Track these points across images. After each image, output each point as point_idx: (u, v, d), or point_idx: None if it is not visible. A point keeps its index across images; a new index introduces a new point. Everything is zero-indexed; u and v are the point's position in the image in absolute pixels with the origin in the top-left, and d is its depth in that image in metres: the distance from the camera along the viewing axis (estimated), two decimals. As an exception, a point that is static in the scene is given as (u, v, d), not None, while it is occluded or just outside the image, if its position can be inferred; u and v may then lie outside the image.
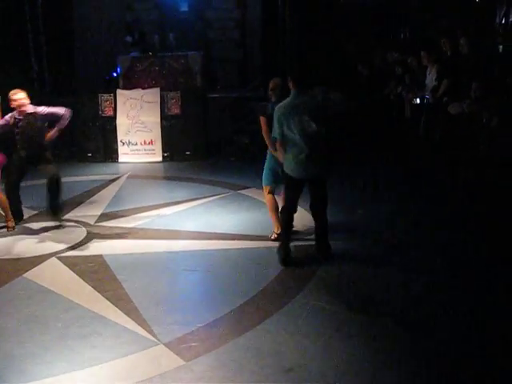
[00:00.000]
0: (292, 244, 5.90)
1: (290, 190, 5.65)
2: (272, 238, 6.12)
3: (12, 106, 6.68)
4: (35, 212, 7.28)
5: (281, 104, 5.48)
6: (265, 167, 6.21)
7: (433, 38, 10.82)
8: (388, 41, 12.37)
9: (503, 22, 8.40)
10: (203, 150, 10.72)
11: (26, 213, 7.11)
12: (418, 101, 9.34)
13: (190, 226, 6.85)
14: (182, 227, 6.81)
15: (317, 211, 5.70)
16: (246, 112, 10.88)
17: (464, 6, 10.66)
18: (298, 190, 5.60)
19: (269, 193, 6.19)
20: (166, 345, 4.16)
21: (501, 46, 9.17)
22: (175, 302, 4.96)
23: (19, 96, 6.64)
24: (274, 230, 6.15)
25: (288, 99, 5.47)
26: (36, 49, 11.59)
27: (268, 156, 6.12)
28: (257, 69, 13.02)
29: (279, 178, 5.95)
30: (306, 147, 5.35)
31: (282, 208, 5.84)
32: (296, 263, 5.59)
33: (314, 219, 5.78)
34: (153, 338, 4.25)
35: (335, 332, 4.31)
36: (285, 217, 5.70)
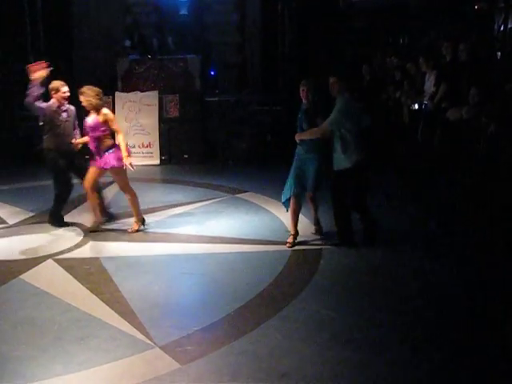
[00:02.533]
0: (290, 248, 5.93)
1: (344, 184, 6.02)
2: (289, 240, 6.16)
3: (55, 96, 6.66)
4: (32, 214, 7.28)
5: (346, 99, 5.95)
6: (288, 179, 6.18)
7: (432, 44, 10.85)
8: (387, 46, 12.39)
9: (502, 28, 8.41)
10: (201, 153, 10.74)
11: (23, 214, 7.10)
12: (416, 106, 9.35)
13: (187, 229, 6.84)
14: (179, 230, 6.80)
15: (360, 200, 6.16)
16: (244, 116, 10.91)
17: (463, 13, 10.70)
18: (350, 181, 6.02)
19: (295, 196, 6.15)
20: (161, 348, 4.15)
21: (499, 53, 9.18)
22: (171, 306, 4.95)
23: (67, 88, 6.68)
24: (291, 232, 6.21)
25: (346, 100, 5.95)
26: (34, 51, 11.58)
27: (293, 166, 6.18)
28: (256, 72, 13.04)
29: (305, 180, 6.06)
30: (359, 139, 5.94)
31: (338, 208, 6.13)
32: (293, 268, 5.58)
33: (360, 213, 6.21)
34: (149, 341, 4.24)
35: (331, 337, 4.30)
36: (341, 215, 6.10)
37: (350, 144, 5.91)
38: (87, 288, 5.20)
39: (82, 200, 7.58)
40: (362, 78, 10.84)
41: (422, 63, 9.22)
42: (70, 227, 6.93)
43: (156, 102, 10.67)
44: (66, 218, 7.19)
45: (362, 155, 5.95)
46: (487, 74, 8.43)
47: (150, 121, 10.65)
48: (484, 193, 6.96)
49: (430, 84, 8.99)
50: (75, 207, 7.75)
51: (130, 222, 7.05)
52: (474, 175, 7.31)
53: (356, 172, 5.96)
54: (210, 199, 8.11)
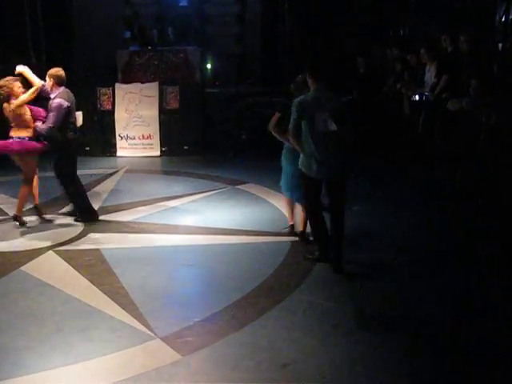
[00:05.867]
0: (289, 239, 5.92)
1: (309, 189, 5.35)
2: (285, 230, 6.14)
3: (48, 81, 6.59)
4: (32, 205, 7.26)
5: (302, 97, 5.20)
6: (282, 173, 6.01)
7: (433, 35, 10.81)
8: (387, 37, 12.35)
9: (503, 19, 8.37)
10: (201, 144, 10.73)
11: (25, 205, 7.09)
12: (417, 98, 9.34)
13: (188, 220, 6.85)
14: (179, 222, 6.80)
15: (334, 215, 5.31)
16: (244, 107, 10.88)
17: (464, 3, 10.66)
18: (317, 189, 5.29)
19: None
20: (162, 339, 4.16)
21: (500, 44, 9.15)
22: (172, 297, 4.95)
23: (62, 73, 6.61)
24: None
25: (310, 94, 5.21)
26: (34, 42, 11.55)
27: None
28: (256, 64, 13.01)
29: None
30: (323, 145, 5.09)
31: (307, 213, 5.66)
32: (293, 259, 5.59)
33: (332, 225, 5.33)
34: (149, 332, 4.25)
35: (332, 328, 4.31)
36: (311, 223, 5.52)
37: (310, 151, 5.14)
38: (88, 279, 5.20)
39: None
40: (357, 70, 10.82)
41: (423, 54, 9.18)
42: (70, 217, 6.95)
43: (156, 93, 10.64)
44: (67, 209, 7.18)
45: (323, 169, 5.14)
46: (488, 65, 8.40)
47: (150, 112, 10.63)
48: (484, 184, 6.95)
49: (430, 75, 8.96)
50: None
51: (131, 213, 7.06)
52: (474, 167, 7.30)
53: (318, 185, 5.28)
54: (211, 190, 8.10)
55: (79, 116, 7.02)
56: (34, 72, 6.62)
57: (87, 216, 6.85)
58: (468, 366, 3.84)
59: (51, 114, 6.45)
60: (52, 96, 6.56)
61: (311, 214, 5.50)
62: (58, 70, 6.64)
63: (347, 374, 3.76)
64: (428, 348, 4.02)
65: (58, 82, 6.59)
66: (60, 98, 6.51)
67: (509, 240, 5.87)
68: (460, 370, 3.81)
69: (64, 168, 6.72)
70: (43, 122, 6.48)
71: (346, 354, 3.97)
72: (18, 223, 6.66)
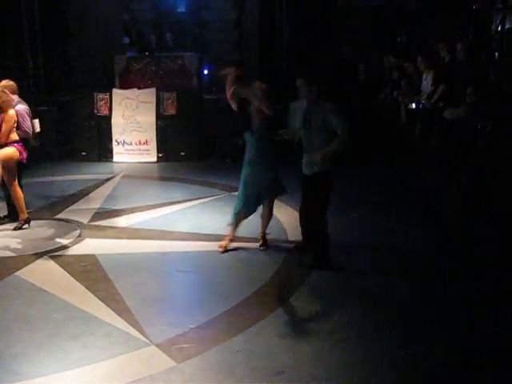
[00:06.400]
0: (285, 246, 5.92)
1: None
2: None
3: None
4: (29, 210, 7.25)
5: (301, 102, 5.38)
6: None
7: (430, 43, 10.86)
8: (385, 45, 12.40)
9: (499, 29, 8.43)
10: (198, 150, 10.73)
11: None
12: (413, 106, 9.37)
13: (184, 226, 6.84)
14: (175, 228, 6.80)
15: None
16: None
17: (461, 12, 10.72)
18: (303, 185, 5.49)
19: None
20: (157, 346, 4.15)
21: (496, 53, 9.20)
22: (167, 303, 4.95)
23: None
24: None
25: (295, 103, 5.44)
26: (32, 47, 11.55)
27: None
28: (253, 70, 13.02)
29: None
30: (310, 144, 5.28)
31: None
32: (288, 266, 5.59)
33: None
34: (144, 339, 4.24)
35: (327, 335, 4.31)
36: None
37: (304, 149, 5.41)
38: (83, 285, 5.18)
39: (78, 197, 7.59)
40: (357, 78, 10.87)
41: (420, 62, 9.23)
42: (66, 222, 6.94)
43: (153, 99, 10.65)
44: (62, 215, 7.18)
45: (306, 166, 5.38)
46: (484, 73, 8.45)
47: (147, 118, 10.63)
48: (481, 191, 6.98)
49: (427, 83, 9.01)
50: (71, 204, 7.75)
51: (127, 219, 7.06)
52: (471, 174, 7.32)
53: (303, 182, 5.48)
54: (207, 197, 8.10)
55: (36, 123, 7.05)
56: (31, 82, 6.67)
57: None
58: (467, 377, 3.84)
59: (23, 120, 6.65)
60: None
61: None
62: (8, 81, 6.76)
63: (342, 381, 3.75)
64: (424, 356, 4.02)
65: (12, 92, 6.72)
66: (22, 104, 6.74)
67: (506, 245, 5.89)
68: (457, 380, 3.82)
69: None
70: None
71: (340, 361, 3.97)
72: (27, 225, 6.72)
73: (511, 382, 3.79)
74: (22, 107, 6.72)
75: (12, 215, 6.94)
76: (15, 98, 6.71)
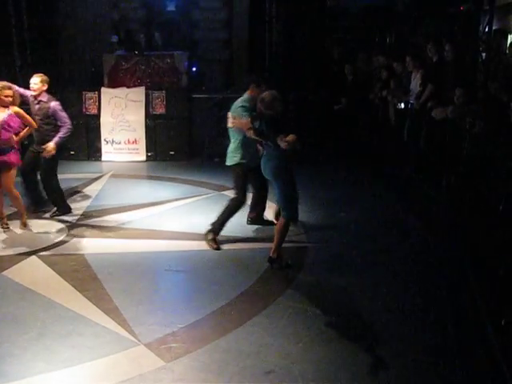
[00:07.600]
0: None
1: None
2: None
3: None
4: (15, 209, 7.20)
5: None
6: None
7: (418, 43, 10.90)
8: (373, 45, 12.44)
9: (486, 30, 8.48)
10: (187, 150, 10.70)
11: (7, 210, 7.03)
12: (402, 105, 9.40)
13: (173, 226, 6.82)
14: (164, 227, 6.78)
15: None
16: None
17: (449, 13, 10.77)
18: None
19: None
20: (146, 345, 4.14)
21: (484, 54, 9.26)
22: (156, 303, 4.93)
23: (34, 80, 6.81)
24: None
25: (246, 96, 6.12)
26: (20, 45, 11.46)
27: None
28: (243, 69, 13.01)
29: None
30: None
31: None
32: (278, 266, 5.60)
33: None
34: (133, 339, 4.23)
35: (316, 334, 4.32)
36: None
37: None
38: (71, 285, 5.16)
39: (66, 196, 7.54)
40: (345, 77, 10.90)
41: (408, 62, 9.26)
42: (54, 222, 6.90)
43: (142, 98, 10.60)
44: (51, 214, 7.14)
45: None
46: (472, 74, 8.49)
47: (136, 117, 10.59)
48: (468, 191, 7.01)
49: (416, 83, 9.04)
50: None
51: (116, 218, 7.03)
52: (458, 174, 7.36)
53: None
54: (196, 196, 8.09)
55: None
56: (20, 80, 6.65)
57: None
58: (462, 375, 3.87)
59: (62, 115, 6.80)
60: (44, 99, 6.81)
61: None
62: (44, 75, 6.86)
63: (331, 380, 3.76)
64: (413, 354, 4.04)
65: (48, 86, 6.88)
66: (54, 101, 6.84)
67: (494, 242, 5.93)
68: (449, 380, 3.84)
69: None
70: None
71: (330, 360, 3.98)
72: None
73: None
74: (58, 103, 6.86)
75: (58, 207, 7.14)
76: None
